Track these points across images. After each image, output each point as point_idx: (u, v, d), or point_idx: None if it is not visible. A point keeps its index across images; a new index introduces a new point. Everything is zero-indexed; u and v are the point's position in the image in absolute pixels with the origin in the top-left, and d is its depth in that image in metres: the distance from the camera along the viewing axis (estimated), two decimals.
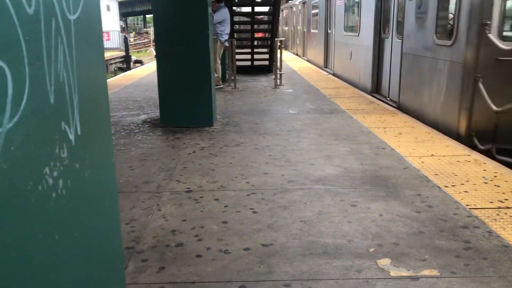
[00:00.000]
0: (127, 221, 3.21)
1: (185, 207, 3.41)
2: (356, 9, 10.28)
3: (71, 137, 1.25)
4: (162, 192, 3.72)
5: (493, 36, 4.91)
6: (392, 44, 7.80)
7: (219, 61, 9.62)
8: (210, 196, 3.61)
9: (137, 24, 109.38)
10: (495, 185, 3.68)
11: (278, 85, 9.87)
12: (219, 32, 9.32)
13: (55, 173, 1.13)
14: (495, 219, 3.05)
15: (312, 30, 16.11)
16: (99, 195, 1.52)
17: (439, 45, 5.79)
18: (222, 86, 9.89)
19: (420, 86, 6.38)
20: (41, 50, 1.07)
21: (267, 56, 13.06)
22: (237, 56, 11.69)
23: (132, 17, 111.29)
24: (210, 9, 6.17)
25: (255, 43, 13.08)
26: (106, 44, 24.90)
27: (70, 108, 1.24)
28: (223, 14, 9.35)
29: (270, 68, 12.68)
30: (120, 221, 3.19)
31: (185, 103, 6.08)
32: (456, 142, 5.05)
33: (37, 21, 1.05)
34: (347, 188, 3.73)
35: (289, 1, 24.74)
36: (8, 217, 0.94)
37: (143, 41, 44.46)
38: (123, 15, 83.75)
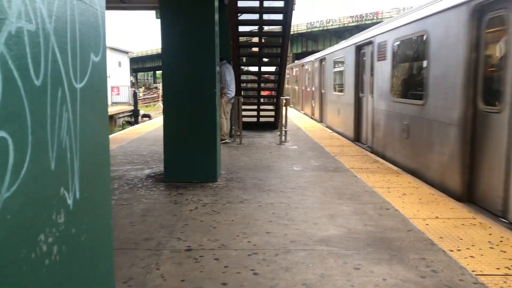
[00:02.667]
0: (125, 279, 3.14)
1: (185, 266, 3.35)
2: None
3: (69, 202, 1.26)
4: (161, 250, 3.67)
5: None
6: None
7: (224, 117, 9.78)
8: (211, 255, 3.54)
9: (147, 79, 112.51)
10: (501, 251, 3.60)
11: (283, 141, 9.96)
12: (226, 89, 9.54)
13: (50, 239, 1.13)
14: (502, 287, 2.95)
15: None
16: (94, 259, 1.50)
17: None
18: (228, 141, 9.99)
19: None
20: (46, 119, 1.10)
21: (272, 113, 13.29)
22: (244, 112, 11.92)
23: (142, 73, 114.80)
24: (218, 68, 6.36)
25: (261, 100, 13.35)
26: (116, 98, 25.51)
27: (71, 173, 1.26)
28: (228, 71, 9.62)
29: (275, 124, 12.86)
30: (118, 279, 3.13)
31: (190, 158, 6.13)
32: (461, 204, 4.99)
33: (43, 92, 1.09)
34: (350, 250, 3.66)
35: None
36: None
37: (152, 95, 45.51)
38: (134, 71, 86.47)
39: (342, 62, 11.84)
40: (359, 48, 10.25)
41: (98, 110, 1.48)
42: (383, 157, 8.22)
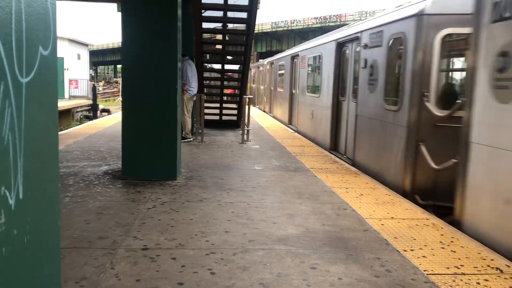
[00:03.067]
0: (77, 279, 3.04)
1: (140, 265, 3.28)
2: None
3: (11, 202, 1.19)
4: (117, 249, 3.57)
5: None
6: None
7: (187, 114, 9.67)
8: (167, 255, 3.49)
9: (108, 73, 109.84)
10: (451, 251, 3.73)
11: (245, 140, 9.95)
12: (188, 85, 9.43)
13: None
14: (451, 286, 3.06)
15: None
16: (39, 261, 1.43)
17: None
18: (191, 139, 9.88)
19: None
20: None
21: (235, 111, 13.26)
22: (206, 110, 11.82)
23: (102, 66, 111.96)
24: (179, 64, 6.27)
25: (224, 98, 13.29)
26: (74, 92, 24.73)
27: (13, 171, 1.19)
28: (190, 67, 9.52)
29: (238, 123, 12.84)
30: (70, 279, 3.03)
31: (149, 155, 6.01)
32: (415, 205, 5.15)
33: None
34: (308, 249, 3.69)
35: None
36: None
37: (112, 90, 44.47)
38: (94, 64, 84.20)
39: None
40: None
41: (47, 105, 1.41)
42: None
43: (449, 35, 5.51)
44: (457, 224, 4.41)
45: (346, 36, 8.68)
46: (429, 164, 5.42)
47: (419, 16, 5.61)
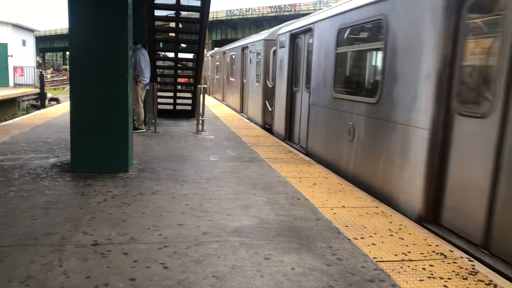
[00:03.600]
0: (23, 279, 2.91)
1: (90, 262, 3.18)
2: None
3: None
4: (65, 245, 3.45)
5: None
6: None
7: (141, 104, 9.45)
8: (119, 250, 3.40)
9: (56, 60, 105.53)
10: (399, 238, 3.87)
11: (200, 130, 9.86)
12: (141, 75, 9.21)
13: None
14: (399, 272, 3.18)
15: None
16: None
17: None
18: (144, 129, 9.67)
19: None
20: None
21: (189, 101, 13.09)
22: (159, 100, 11.60)
23: (51, 53, 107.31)
24: (130, 52, 6.09)
25: (178, 87, 13.08)
26: (20, 80, 23.53)
27: None
28: (143, 57, 9.29)
29: (192, 113, 12.69)
30: (15, 279, 2.90)
31: (99, 146, 5.83)
32: (365, 194, 5.30)
33: None
34: (262, 240, 3.72)
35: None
36: None
37: (61, 78, 42.75)
38: (41, 51, 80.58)
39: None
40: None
41: None
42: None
43: None
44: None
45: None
46: (268, 109, 10.61)
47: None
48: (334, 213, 4.48)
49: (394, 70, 4.93)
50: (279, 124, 9.81)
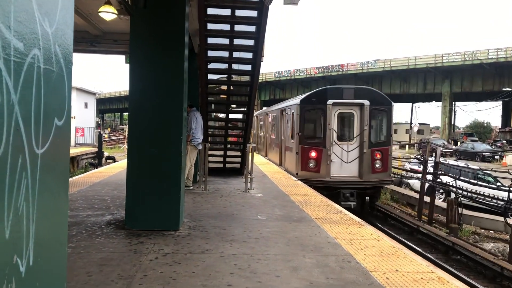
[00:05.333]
0: None
1: None
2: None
3: (22, 269, 1.22)
4: None
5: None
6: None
7: (189, 164, 9.74)
8: None
9: (114, 120, 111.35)
10: None
11: (248, 188, 9.96)
12: (192, 135, 9.57)
13: None
14: None
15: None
16: None
17: None
18: (191, 187, 9.90)
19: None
20: (3, 188, 1.09)
21: (239, 159, 13.34)
22: (210, 158, 11.92)
23: (109, 114, 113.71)
24: (185, 114, 6.41)
25: (228, 146, 13.41)
26: (80, 139, 25.03)
27: (26, 240, 1.23)
28: (195, 118, 9.69)
29: (241, 170, 12.88)
30: None
31: (152, 205, 6.02)
32: (420, 257, 5.09)
33: (3, 162, 1.08)
34: None
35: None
36: None
37: (118, 137, 44.95)
38: (101, 112, 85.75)
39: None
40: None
41: (59, 173, 1.47)
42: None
43: None
44: None
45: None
46: None
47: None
48: (387, 278, 4.31)
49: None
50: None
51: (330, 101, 13.08)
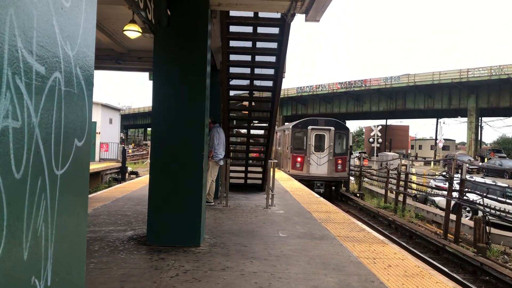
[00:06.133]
0: None
1: None
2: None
3: None
4: None
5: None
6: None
7: (210, 180, 9.76)
8: None
9: (137, 136, 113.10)
10: None
11: (269, 205, 9.90)
12: (214, 151, 9.62)
13: None
14: None
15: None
16: None
17: None
18: (212, 203, 9.91)
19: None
20: (23, 210, 1.10)
21: (260, 175, 13.32)
22: (231, 174, 11.93)
23: (133, 129, 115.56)
24: (207, 130, 6.44)
25: (250, 161, 13.42)
26: (104, 155, 25.45)
27: (44, 261, 1.24)
28: (218, 134, 9.74)
29: (262, 186, 12.84)
30: None
31: (174, 221, 6.04)
32: (446, 278, 4.94)
33: (23, 184, 1.10)
34: None
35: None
36: None
37: (141, 152, 45.53)
38: (125, 127, 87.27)
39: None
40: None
41: (78, 193, 1.48)
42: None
43: None
44: None
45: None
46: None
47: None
48: None
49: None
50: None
51: (310, 127, 21.04)
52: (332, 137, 20.74)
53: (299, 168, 20.74)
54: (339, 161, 20.83)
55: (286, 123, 27.61)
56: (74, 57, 1.33)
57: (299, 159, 20.60)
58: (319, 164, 20.62)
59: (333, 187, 21.15)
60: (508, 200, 13.12)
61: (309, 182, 19.26)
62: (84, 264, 1.66)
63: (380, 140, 42.23)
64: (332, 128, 20.82)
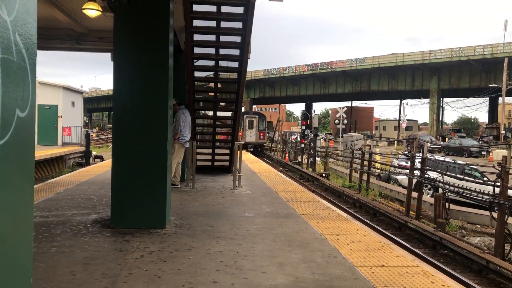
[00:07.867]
0: None
1: None
2: None
3: None
4: None
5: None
6: None
7: (176, 162, 9.68)
8: None
9: (102, 119, 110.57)
10: None
11: (236, 186, 9.94)
12: (179, 133, 9.52)
13: None
14: None
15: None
16: None
17: None
18: (179, 185, 9.85)
19: None
20: None
21: (227, 157, 13.31)
22: (198, 156, 11.87)
23: (97, 113, 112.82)
24: (170, 112, 6.36)
25: (217, 144, 13.37)
26: (67, 139, 24.76)
27: None
28: (184, 116, 9.64)
29: (230, 168, 12.86)
30: None
31: (138, 203, 5.97)
32: (406, 252, 5.12)
33: None
34: None
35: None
36: None
37: (106, 136, 44.58)
38: (88, 111, 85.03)
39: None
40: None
41: (22, 165, 1.43)
42: None
43: None
44: None
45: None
46: None
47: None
48: (373, 273, 4.33)
49: None
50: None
51: (245, 116, 34.30)
52: (257, 120, 35.51)
53: (241, 138, 32.43)
54: (261, 134, 35.61)
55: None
56: (12, 22, 1.27)
57: (240, 133, 30.15)
58: (250, 136, 34.92)
59: (258, 148, 35.03)
60: (466, 177, 13.64)
61: (245, 146, 30.88)
62: (32, 239, 1.62)
63: (345, 121, 43.44)
64: (257, 116, 36.19)
